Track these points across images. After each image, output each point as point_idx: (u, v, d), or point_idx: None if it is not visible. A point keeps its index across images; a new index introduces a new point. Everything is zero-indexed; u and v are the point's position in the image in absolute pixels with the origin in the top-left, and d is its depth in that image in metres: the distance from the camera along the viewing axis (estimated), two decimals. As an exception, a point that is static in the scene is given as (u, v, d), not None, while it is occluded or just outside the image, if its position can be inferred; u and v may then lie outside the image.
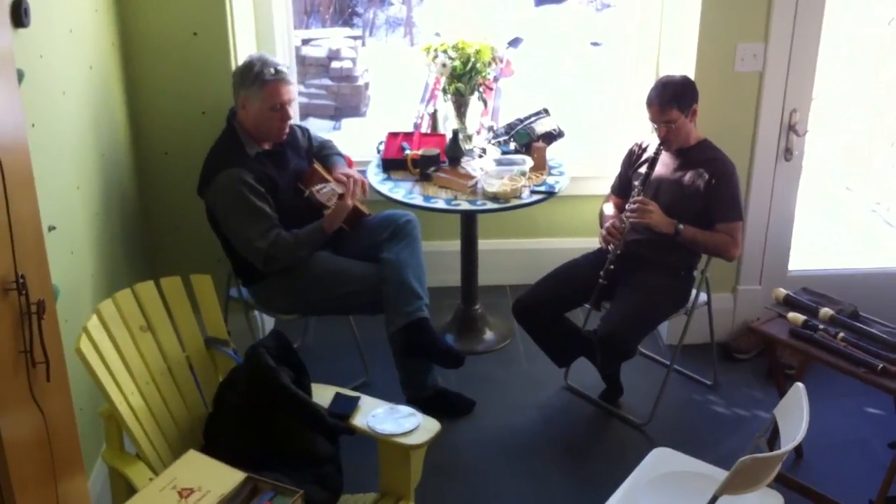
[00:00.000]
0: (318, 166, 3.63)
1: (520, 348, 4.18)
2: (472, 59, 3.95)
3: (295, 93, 3.47)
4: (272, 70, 3.38)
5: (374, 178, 3.95)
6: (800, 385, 2.55)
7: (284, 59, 4.19)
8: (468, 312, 4.24)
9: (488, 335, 4.24)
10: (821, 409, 3.44)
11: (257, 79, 3.36)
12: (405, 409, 2.86)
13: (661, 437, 3.59)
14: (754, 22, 3.71)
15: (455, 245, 4.21)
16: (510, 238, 4.59)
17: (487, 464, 3.49)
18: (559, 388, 3.92)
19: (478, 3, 4.59)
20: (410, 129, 4.42)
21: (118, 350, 2.72)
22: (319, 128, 7.21)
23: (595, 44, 8.77)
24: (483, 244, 4.21)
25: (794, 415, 2.51)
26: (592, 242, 3.94)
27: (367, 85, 7.90)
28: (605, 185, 4.16)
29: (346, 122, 7.64)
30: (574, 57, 8.28)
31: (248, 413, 2.78)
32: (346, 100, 7.75)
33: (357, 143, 5.62)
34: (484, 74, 4.03)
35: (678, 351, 3.69)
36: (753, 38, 3.73)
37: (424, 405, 3.58)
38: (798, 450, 3.45)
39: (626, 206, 3.51)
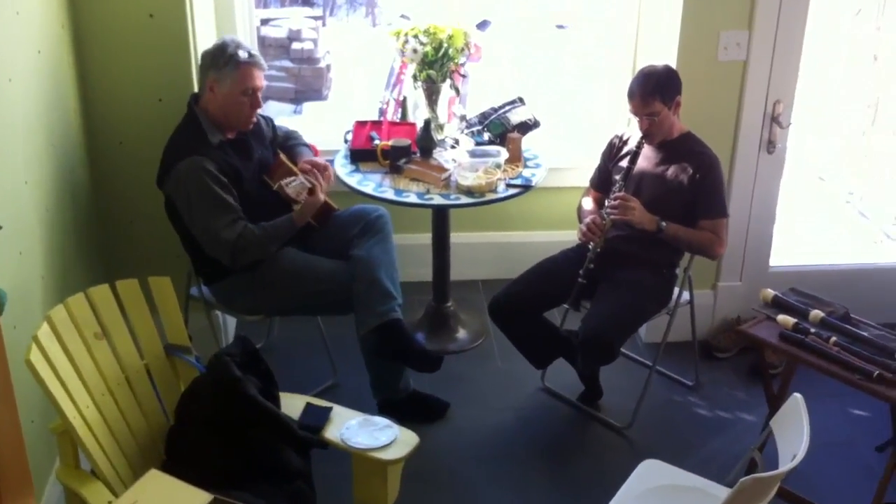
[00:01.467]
0: (283, 158, 3.44)
1: (494, 347, 4.03)
2: (445, 45, 3.77)
3: (264, 81, 3.27)
4: (247, 53, 3.19)
5: (342, 169, 3.77)
6: (798, 396, 2.44)
7: (246, 41, 3.98)
8: (440, 310, 4.08)
9: (461, 333, 4.08)
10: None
11: (231, 60, 3.16)
12: (381, 421, 2.70)
13: (642, 441, 3.48)
14: (738, 9, 3.58)
15: (425, 238, 4.04)
16: (483, 231, 4.44)
17: (464, 469, 3.34)
18: (536, 389, 3.78)
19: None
20: (375, 114, 4.25)
21: (71, 360, 2.53)
22: (280, 112, 6.99)
23: (560, 26, 8.60)
24: (455, 237, 4.04)
25: (793, 428, 2.40)
26: (568, 236, 3.80)
27: (328, 67, 7.67)
28: (581, 176, 4.02)
29: (307, 105, 7.41)
30: (542, 41, 8.11)
31: (213, 426, 2.61)
32: (307, 83, 7.52)
33: (320, 128, 5.44)
34: (456, 61, 3.86)
35: (661, 352, 3.56)
36: (737, 26, 3.60)
37: (397, 409, 3.46)
38: (783, 453, 3.35)
39: (607, 203, 3.37)
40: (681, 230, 3.33)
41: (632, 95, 3.30)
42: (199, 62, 3.28)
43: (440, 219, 3.89)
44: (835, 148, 5.97)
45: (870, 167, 5.73)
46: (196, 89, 3.42)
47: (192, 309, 3.54)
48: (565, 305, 3.43)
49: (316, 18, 8.40)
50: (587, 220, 3.44)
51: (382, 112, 4.32)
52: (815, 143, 5.95)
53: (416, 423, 3.44)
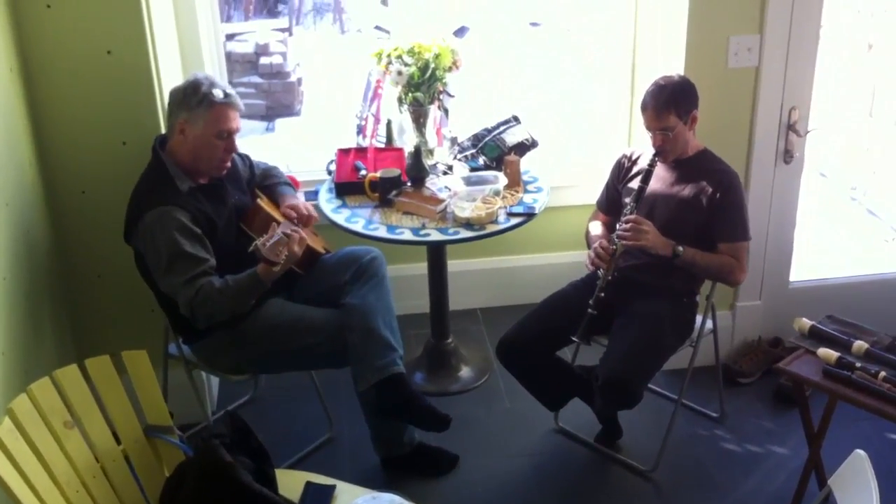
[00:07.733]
0: (262, 202, 3.13)
1: (500, 384, 3.75)
2: (432, 65, 3.48)
3: (240, 123, 2.97)
4: (222, 92, 2.88)
5: (327, 205, 3.47)
6: (861, 454, 2.16)
7: (212, 59, 3.70)
8: (440, 347, 3.79)
9: (464, 371, 3.80)
10: (838, 435, 3.10)
11: (205, 99, 2.84)
12: (392, 498, 2.41)
13: (669, 485, 3.22)
14: (748, 12, 3.32)
15: (420, 268, 3.77)
16: (479, 257, 4.14)
17: (478, 530, 3.08)
18: (549, 431, 3.50)
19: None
20: (353, 130, 3.95)
21: (38, 456, 2.24)
22: (252, 130, 6.68)
23: (534, 24, 8.31)
24: (450, 265, 3.74)
25: (858, 489, 2.12)
26: (571, 258, 3.56)
27: (299, 81, 7.36)
28: (582, 193, 3.80)
29: (279, 122, 7.10)
30: (517, 43, 7.80)
31: (203, 517, 2.31)
32: (278, 98, 7.21)
33: (297, 150, 5.12)
34: (444, 81, 3.57)
35: (686, 385, 3.27)
36: (748, 30, 3.34)
37: (402, 464, 3.20)
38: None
39: (618, 227, 3.09)
40: (698, 255, 3.06)
41: (645, 108, 3.04)
42: (168, 101, 2.96)
43: (436, 252, 3.60)
44: (834, 142, 5.73)
45: (873, 160, 5.51)
46: (163, 130, 3.11)
47: (172, 366, 3.24)
48: (573, 338, 3.13)
49: (282, 30, 8.09)
50: (595, 244, 3.16)
51: (361, 129, 4.03)
52: (814, 137, 5.71)
53: (424, 477, 3.20)
